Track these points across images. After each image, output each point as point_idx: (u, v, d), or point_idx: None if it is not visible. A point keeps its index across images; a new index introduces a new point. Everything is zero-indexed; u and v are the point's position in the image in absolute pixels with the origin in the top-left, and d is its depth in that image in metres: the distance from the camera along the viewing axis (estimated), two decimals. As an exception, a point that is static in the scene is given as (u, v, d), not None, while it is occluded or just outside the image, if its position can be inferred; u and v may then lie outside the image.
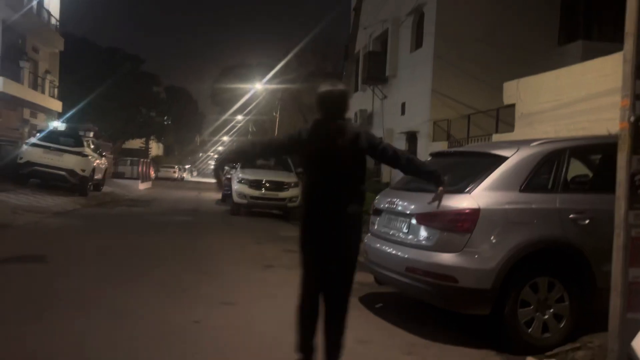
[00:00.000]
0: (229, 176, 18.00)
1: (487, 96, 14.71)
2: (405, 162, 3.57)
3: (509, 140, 8.12)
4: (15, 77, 23.17)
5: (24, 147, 17.28)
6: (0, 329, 4.26)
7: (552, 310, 4.54)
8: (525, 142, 5.25)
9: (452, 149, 7.91)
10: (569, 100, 9.71)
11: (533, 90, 10.94)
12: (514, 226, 4.57)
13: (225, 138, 71.99)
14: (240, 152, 4.01)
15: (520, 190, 4.68)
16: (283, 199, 15.64)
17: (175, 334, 4.41)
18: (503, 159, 4.84)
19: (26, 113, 25.69)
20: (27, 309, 4.87)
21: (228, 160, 4.15)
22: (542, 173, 4.88)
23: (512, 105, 11.67)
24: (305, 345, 3.51)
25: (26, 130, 21.09)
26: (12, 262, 6.88)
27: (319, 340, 3.53)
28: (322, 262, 3.48)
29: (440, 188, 3.62)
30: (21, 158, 16.84)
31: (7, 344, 3.95)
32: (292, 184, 15.62)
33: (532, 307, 4.50)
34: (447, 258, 4.52)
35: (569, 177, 5.00)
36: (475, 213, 4.52)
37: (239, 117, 53.93)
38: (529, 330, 4.46)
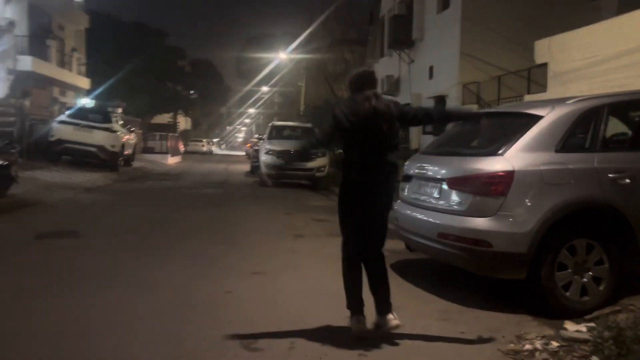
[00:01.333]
0: (256, 148, 18.02)
1: (517, 56, 14.25)
2: (440, 113, 4.03)
3: (543, 100, 7.85)
4: (43, 56, 23.44)
5: (55, 125, 17.55)
6: (37, 302, 4.33)
7: (590, 273, 4.39)
8: (561, 100, 5.04)
9: (484, 111, 7.68)
10: (604, 56, 9.32)
11: (566, 48, 10.53)
12: (549, 188, 4.41)
13: (251, 110, 72.08)
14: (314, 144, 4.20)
15: (556, 151, 4.50)
16: (311, 169, 15.58)
17: (207, 305, 4.43)
18: (537, 118, 4.65)
19: (55, 91, 26.04)
20: (61, 282, 4.95)
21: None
22: (579, 132, 4.68)
23: (544, 65, 11.28)
24: (354, 301, 3.83)
25: (56, 108, 21.40)
26: (47, 238, 7.01)
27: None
28: (361, 222, 3.85)
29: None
30: (52, 136, 17.13)
31: (44, 315, 4.02)
32: (320, 154, 15.52)
33: (569, 270, 4.36)
34: (480, 222, 4.40)
35: (607, 136, 4.79)
36: (509, 175, 4.37)
37: (264, 89, 53.82)
38: (567, 293, 4.34)
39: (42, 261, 5.78)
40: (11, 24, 21.21)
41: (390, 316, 3.80)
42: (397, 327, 3.79)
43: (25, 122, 17.41)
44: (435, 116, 4.05)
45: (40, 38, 23.85)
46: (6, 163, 9.67)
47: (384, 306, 3.84)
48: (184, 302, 4.50)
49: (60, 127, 17.21)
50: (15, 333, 3.68)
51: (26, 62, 21.69)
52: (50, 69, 23.82)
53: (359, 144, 3.79)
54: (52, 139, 17.07)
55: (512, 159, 4.43)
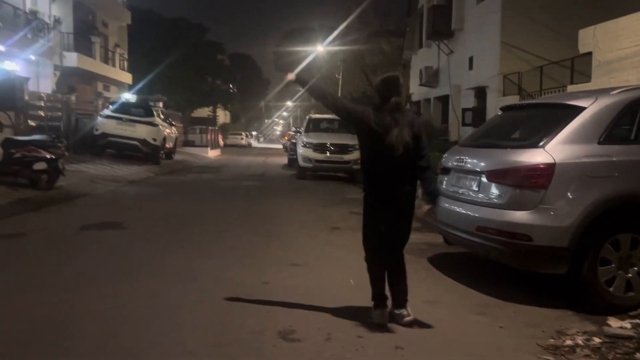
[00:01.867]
0: (294, 141, 18.11)
1: (560, 46, 13.88)
2: (427, 164, 3.87)
3: (586, 90, 7.63)
4: (88, 52, 24.08)
5: (99, 119, 18.04)
6: (85, 290, 4.49)
7: (636, 268, 4.28)
8: (605, 91, 4.90)
9: (524, 102, 7.53)
10: (653, 44, 9.00)
11: (612, 36, 10.20)
12: (592, 181, 4.31)
13: (289, 103, 72.32)
14: (319, 89, 4.18)
15: (599, 143, 4.39)
16: (348, 162, 15.58)
17: (246, 295, 4.51)
18: (580, 109, 4.54)
19: (99, 86, 26.75)
20: (106, 272, 5.12)
21: (309, 84, 4.24)
22: (624, 123, 4.56)
23: (589, 54, 10.96)
24: (378, 295, 4.01)
25: (100, 103, 21.99)
26: (92, 229, 7.25)
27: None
28: (389, 224, 3.98)
29: (429, 206, 3.93)
30: (97, 130, 17.61)
31: (91, 303, 4.17)
32: (356, 146, 15.47)
33: (613, 265, 4.26)
34: (520, 216, 4.34)
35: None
36: (550, 168, 4.29)
37: (302, 81, 53.81)
38: (610, 289, 4.24)
39: (88, 251, 5.99)
40: (57, 21, 21.85)
41: (404, 311, 3.97)
42: (410, 322, 3.91)
43: (71, 117, 17.97)
44: (425, 163, 3.89)
45: (84, 35, 24.51)
46: (54, 157, 10.02)
47: (400, 301, 4.00)
48: (224, 291, 4.59)
49: (104, 122, 17.68)
50: (64, 319, 3.84)
51: (72, 59, 22.32)
52: (94, 65, 24.46)
53: (385, 156, 3.82)
54: (97, 133, 17.56)
55: (553, 151, 4.35)
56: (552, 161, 4.29)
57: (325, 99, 4.08)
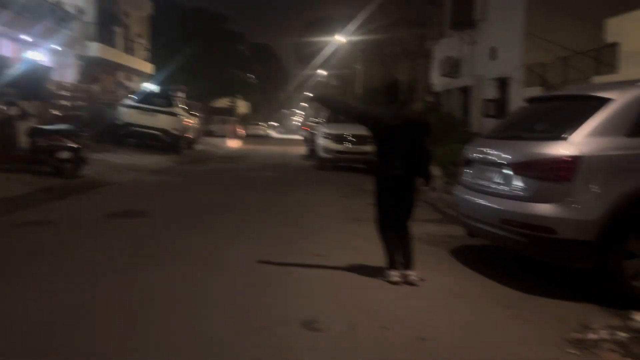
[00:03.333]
0: (313, 132, 18.10)
1: (586, 36, 13.66)
2: (427, 156, 4.82)
3: (613, 82, 7.51)
4: (110, 42, 24.31)
5: (122, 109, 18.23)
6: (111, 276, 4.58)
7: (661, 262, 4.23)
8: (632, 82, 4.83)
9: (550, 94, 7.43)
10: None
11: (640, 26, 10.00)
12: (619, 174, 4.26)
13: (309, 93, 72.25)
14: (330, 102, 5.57)
15: (627, 135, 4.33)
16: (367, 153, 15.50)
17: (270, 284, 4.56)
18: (607, 101, 4.48)
19: (121, 76, 27.02)
20: (132, 259, 5.20)
21: (321, 100, 5.75)
22: (652, 116, 4.48)
23: (616, 45, 10.76)
24: (390, 259, 4.78)
25: (122, 92, 22.21)
26: (118, 217, 7.36)
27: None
28: (399, 204, 4.81)
29: (427, 187, 4.79)
30: (119, 119, 17.81)
31: (116, 290, 4.25)
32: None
33: (638, 258, 4.21)
34: (545, 209, 4.31)
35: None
36: (575, 161, 4.25)
37: (322, 72, 53.75)
38: (636, 283, 4.20)
39: (114, 239, 6.08)
40: (80, 11, 22.08)
41: (411, 272, 4.70)
42: (415, 281, 4.64)
43: (94, 106, 18.18)
44: (424, 154, 4.84)
45: (107, 25, 24.73)
46: (78, 146, 10.18)
47: (408, 262, 4.75)
48: (248, 280, 4.65)
49: (127, 111, 17.88)
50: (92, 304, 3.92)
51: (94, 48, 22.55)
52: (116, 55, 24.69)
53: (397, 145, 4.69)
54: (119, 122, 17.76)
55: (579, 143, 4.31)
56: (578, 154, 4.25)
57: (345, 112, 5.57)
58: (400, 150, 4.69)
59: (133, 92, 19.93)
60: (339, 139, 15.62)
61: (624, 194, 4.19)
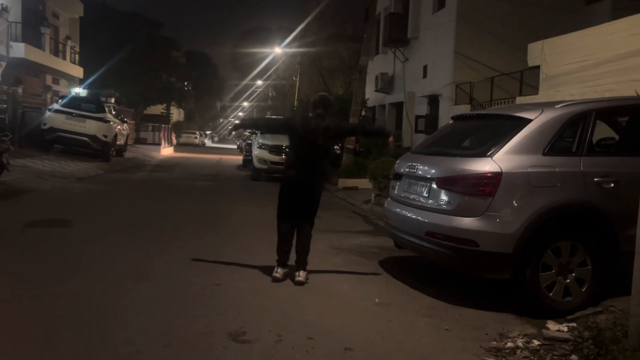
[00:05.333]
0: (249, 142, 18.00)
1: (511, 58, 14.35)
2: (361, 129, 6.11)
3: (532, 103, 7.94)
4: (37, 43, 23.25)
5: (48, 113, 17.48)
6: (27, 289, 4.37)
7: (574, 274, 4.49)
8: (550, 104, 5.12)
9: (475, 112, 7.77)
10: (596, 61, 9.41)
11: (559, 52, 10.62)
12: (536, 190, 4.50)
13: (245, 103, 71.88)
14: (253, 122, 6.11)
15: (544, 154, 4.59)
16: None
17: (197, 296, 4.50)
18: (526, 121, 4.74)
19: (48, 79, 25.86)
20: (52, 271, 4.99)
21: (243, 125, 6.68)
22: (567, 136, 4.78)
23: (537, 67, 11.36)
24: (281, 256, 5.22)
25: (49, 96, 21.27)
26: (39, 226, 7.03)
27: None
28: (298, 203, 5.22)
29: (390, 138, 5.59)
30: (45, 124, 17.07)
31: (33, 303, 4.06)
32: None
33: (553, 271, 4.46)
34: (468, 222, 4.49)
35: (594, 140, 4.89)
36: (497, 177, 4.45)
37: (259, 82, 53.68)
38: (550, 294, 4.44)
39: (34, 249, 5.81)
40: (4, 9, 21.02)
41: (302, 272, 5.07)
42: (302, 283, 4.97)
43: (18, 110, 17.34)
44: (359, 129, 6.54)
45: (33, 25, 23.65)
46: (-2, 150, 9.67)
47: (300, 262, 5.15)
48: (175, 292, 4.56)
49: (53, 116, 17.14)
50: (8, 318, 3.72)
51: (19, 49, 21.47)
52: (43, 57, 23.63)
53: (304, 149, 5.15)
54: (45, 127, 17.01)
55: (500, 160, 4.52)
56: (499, 170, 4.46)
57: (264, 127, 7.39)
58: (305, 155, 5.16)
59: (61, 96, 19.13)
60: (274, 149, 15.61)
61: (540, 209, 4.42)
